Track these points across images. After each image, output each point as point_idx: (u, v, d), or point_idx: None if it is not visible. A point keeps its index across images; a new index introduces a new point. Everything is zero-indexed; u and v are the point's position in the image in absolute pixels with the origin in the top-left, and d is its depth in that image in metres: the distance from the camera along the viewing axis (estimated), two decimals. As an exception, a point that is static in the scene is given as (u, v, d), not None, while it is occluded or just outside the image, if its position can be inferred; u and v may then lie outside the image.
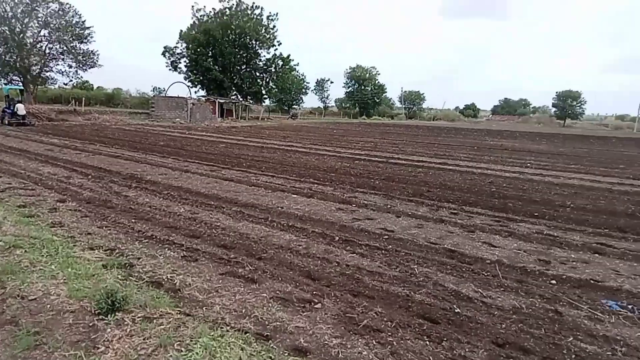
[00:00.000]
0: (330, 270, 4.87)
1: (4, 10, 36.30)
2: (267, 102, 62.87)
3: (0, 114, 26.18)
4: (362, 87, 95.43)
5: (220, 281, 4.42)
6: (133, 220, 6.43)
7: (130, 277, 4.29)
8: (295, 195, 8.80)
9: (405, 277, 4.78)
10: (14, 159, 12.04)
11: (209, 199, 8.08)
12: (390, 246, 5.79)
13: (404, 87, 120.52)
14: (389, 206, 8.22)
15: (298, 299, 4.09)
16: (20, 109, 25.01)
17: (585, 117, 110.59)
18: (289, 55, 50.65)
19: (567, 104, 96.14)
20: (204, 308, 3.75)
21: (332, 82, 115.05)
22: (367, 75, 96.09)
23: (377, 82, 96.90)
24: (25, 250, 4.59)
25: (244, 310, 3.77)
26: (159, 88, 58.59)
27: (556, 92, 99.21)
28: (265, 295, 4.14)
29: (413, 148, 21.12)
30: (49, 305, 3.47)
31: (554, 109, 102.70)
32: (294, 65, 51.86)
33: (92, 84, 64.79)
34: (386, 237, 6.24)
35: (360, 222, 6.97)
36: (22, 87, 32.01)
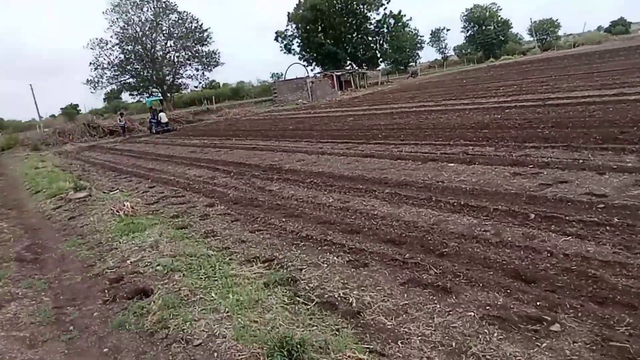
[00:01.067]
0: (544, 265, 3.59)
1: (134, 31, 40.35)
2: (382, 65, 60.75)
3: (148, 125, 29.12)
4: (484, 28, 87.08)
5: (405, 295, 3.46)
6: (284, 219, 5.84)
7: (297, 299, 3.56)
8: (452, 164, 7.47)
9: (671, 268, 3.28)
10: (164, 165, 12.70)
11: (355, 182, 7.21)
12: (615, 219, 4.24)
13: (532, 17, 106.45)
14: (580, 161, 6.42)
15: (520, 317, 2.94)
16: (163, 117, 27.40)
17: None
18: (400, 12, 47.92)
19: None
20: (399, 343, 2.82)
21: (448, 30, 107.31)
22: (487, 13, 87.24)
23: (500, 18, 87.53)
24: (184, 274, 4.17)
25: (454, 344, 2.75)
26: (277, 74, 60.47)
27: None
28: (471, 313, 3.07)
29: (568, 82, 17.76)
30: (216, 354, 2.85)
31: None
32: (407, 20, 48.77)
33: (218, 82, 69.63)
34: (601, 205, 4.65)
35: (552, 189, 5.42)
36: (161, 97, 35.37)
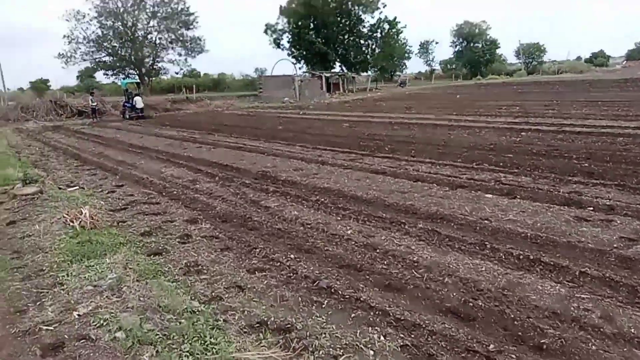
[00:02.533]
0: None
1: (116, 6, 37.88)
2: (369, 71, 59.68)
3: (121, 108, 27.04)
4: (472, 45, 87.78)
5: None
6: (291, 256, 4.46)
7: None
8: (488, 195, 6.23)
9: None
10: (136, 158, 11.08)
11: (375, 208, 5.89)
12: None
13: (518, 40, 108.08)
14: (653, 209, 5.30)
15: None
16: (139, 102, 25.42)
17: None
18: (395, 18, 46.92)
19: None
20: None
21: (437, 43, 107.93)
22: (477, 30, 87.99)
23: (488, 37, 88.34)
24: (157, 350, 2.75)
25: None
26: (260, 69, 58.78)
27: None
28: None
29: (575, 109, 16.98)
30: None
31: None
32: (402, 28, 47.82)
33: (199, 72, 67.02)
34: None
35: (642, 247, 4.24)
36: (138, 81, 33.14)
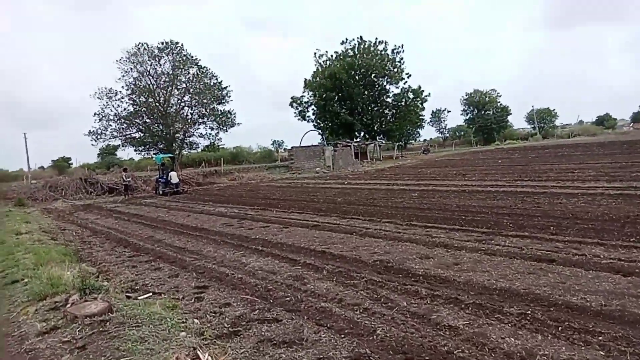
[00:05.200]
0: None
1: (149, 83, 37.96)
2: (383, 140, 58.95)
3: (154, 184, 25.69)
4: (483, 112, 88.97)
5: None
6: None
7: None
8: None
9: None
10: (198, 243, 9.16)
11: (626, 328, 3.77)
12: None
13: (532, 105, 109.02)
14: None
15: None
16: (174, 177, 24.11)
17: None
18: (419, 87, 46.68)
19: None
20: None
21: (449, 112, 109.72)
22: (487, 99, 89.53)
23: (499, 104, 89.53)
24: None
25: None
26: (278, 141, 59.14)
27: None
28: None
29: (628, 170, 15.07)
30: None
31: None
32: (426, 96, 47.40)
33: (218, 145, 67.12)
34: None
35: None
36: (173, 155, 32.09)
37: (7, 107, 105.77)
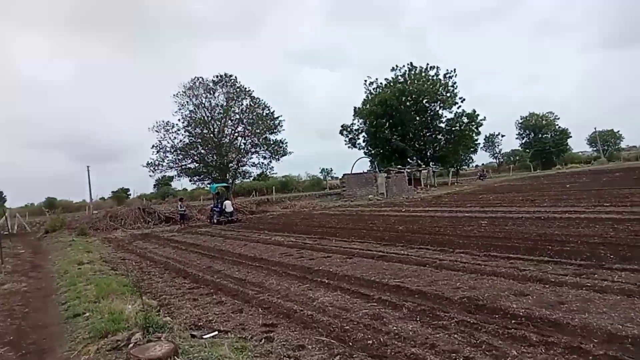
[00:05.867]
0: None
1: (205, 115, 39.13)
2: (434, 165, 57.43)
3: (209, 213, 25.88)
4: (540, 136, 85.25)
5: None
6: None
7: None
8: None
9: None
10: (257, 274, 8.68)
11: None
12: None
13: (595, 127, 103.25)
14: None
15: None
16: (228, 205, 24.15)
17: None
18: (474, 111, 45.14)
19: None
20: None
21: (503, 136, 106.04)
22: (544, 122, 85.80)
23: (557, 127, 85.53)
24: None
25: None
26: (326, 169, 59.27)
27: None
28: None
29: None
30: None
31: None
32: (481, 120, 45.74)
33: (267, 174, 68.01)
34: None
35: None
36: (227, 184, 32.47)
37: (73, 142, 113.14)
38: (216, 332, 5.08)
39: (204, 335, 4.96)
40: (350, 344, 4.58)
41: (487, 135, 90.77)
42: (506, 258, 8.10)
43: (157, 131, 39.21)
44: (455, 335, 4.55)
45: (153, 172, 39.99)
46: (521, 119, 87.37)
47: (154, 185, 65.59)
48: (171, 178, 52.15)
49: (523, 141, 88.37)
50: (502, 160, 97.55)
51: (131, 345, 4.28)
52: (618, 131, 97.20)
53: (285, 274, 8.50)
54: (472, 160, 71.37)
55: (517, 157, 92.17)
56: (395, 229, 13.81)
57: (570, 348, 3.97)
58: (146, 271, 10.50)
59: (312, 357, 4.27)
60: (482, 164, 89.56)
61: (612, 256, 7.39)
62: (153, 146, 39.47)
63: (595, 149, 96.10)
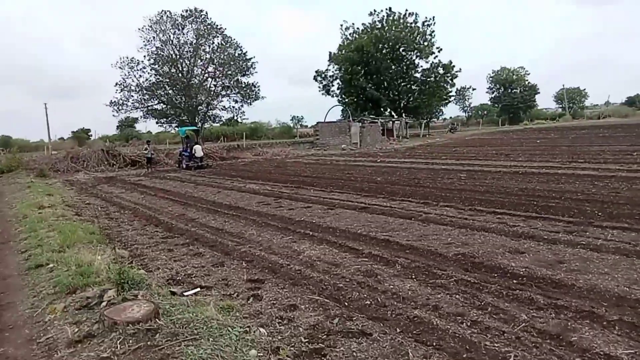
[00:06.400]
0: None
1: (172, 53, 36.84)
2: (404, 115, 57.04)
3: (178, 157, 24.90)
4: (510, 91, 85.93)
5: None
6: None
7: None
8: None
9: None
10: (236, 224, 8.23)
11: None
12: None
13: (563, 84, 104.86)
14: None
15: None
16: (198, 150, 23.16)
17: None
18: (450, 62, 44.52)
19: None
20: None
21: (474, 90, 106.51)
22: (515, 77, 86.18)
23: (527, 83, 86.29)
24: None
25: None
26: (297, 116, 58.50)
27: None
28: None
29: None
30: None
31: None
32: (456, 72, 45.27)
33: (237, 119, 66.19)
34: None
35: None
36: (197, 128, 31.15)
37: (28, 77, 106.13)
38: (198, 289, 4.66)
39: (185, 292, 4.52)
40: (346, 304, 4.26)
41: (458, 88, 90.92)
42: (493, 213, 7.95)
43: (120, 68, 36.88)
44: (457, 296, 4.29)
45: (117, 112, 38.03)
46: (493, 72, 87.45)
47: (117, 126, 62.69)
48: (135, 120, 50.05)
49: (493, 95, 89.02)
50: (470, 114, 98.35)
51: (104, 303, 3.80)
52: (584, 89, 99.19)
53: (265, 224, 8.08)
54: (442, 112, 71.68)
55: (486, 112, 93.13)
56: (374, 180, 13.53)
57: (582, 312, 3.77)
58: (114, 217, 9.86)
59: (307, 319, 3.92)
60: (451, 117, 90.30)
61: (599, 213, 7.33)
62: (117, 84, 37.26)
63: (561, 105, 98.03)
